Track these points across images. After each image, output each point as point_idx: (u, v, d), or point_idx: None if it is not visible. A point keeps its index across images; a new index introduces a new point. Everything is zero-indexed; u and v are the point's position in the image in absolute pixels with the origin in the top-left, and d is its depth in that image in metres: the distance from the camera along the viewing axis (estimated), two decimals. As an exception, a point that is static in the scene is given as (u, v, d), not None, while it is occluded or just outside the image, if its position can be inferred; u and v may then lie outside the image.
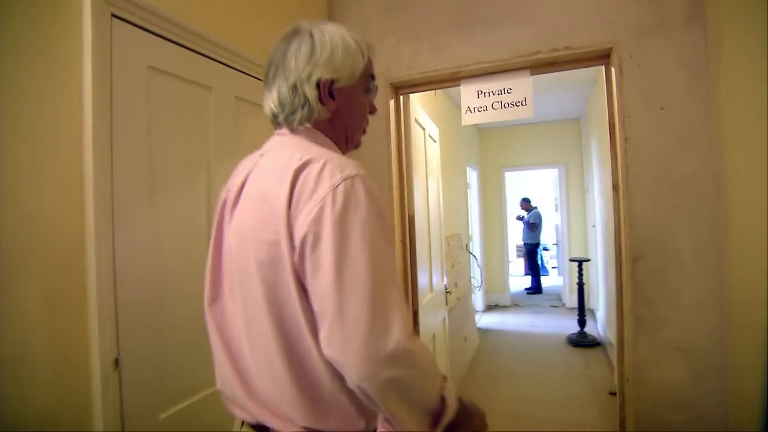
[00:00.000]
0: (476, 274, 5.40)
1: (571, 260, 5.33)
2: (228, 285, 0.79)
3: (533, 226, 7.19)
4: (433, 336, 2.44)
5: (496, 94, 1.89)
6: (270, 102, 0.82)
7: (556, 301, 6.62)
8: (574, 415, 3.01)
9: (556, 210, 6.91)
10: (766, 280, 1.22)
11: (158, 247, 1.17)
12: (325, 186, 0.66)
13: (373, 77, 0.89)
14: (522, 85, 1.86)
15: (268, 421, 0.74)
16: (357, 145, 0.92)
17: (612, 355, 3.70)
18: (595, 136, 4.41)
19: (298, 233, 0.66)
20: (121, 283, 1.04)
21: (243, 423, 0.79)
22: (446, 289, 2.85)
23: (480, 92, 1.91)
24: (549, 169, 6.79)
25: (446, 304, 2.84)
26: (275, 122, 0.84)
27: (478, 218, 6.10)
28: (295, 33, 0.81)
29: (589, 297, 5.54)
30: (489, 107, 1.89)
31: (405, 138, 2.12)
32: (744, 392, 1.40)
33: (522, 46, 1.83)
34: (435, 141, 2.86)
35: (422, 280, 2.27)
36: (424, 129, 2.50)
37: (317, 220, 0.65)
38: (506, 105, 1.87)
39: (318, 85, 0.78)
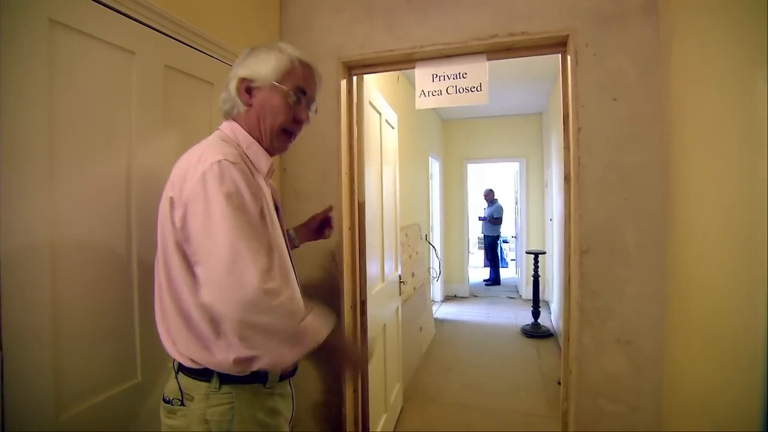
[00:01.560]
0: (435, 264, 5.39)
1: (528, 253, 5.42)
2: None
3: (496, 220, 7.26)
4: (384, 326, 2.38)
5: (451, 78, 1.82)
6: None
7: (513, 293, 6.75)
8: (524, 405, 3.05)
9: (516, 203, 7.01)
10: (711, 273, 1.22)
11: (60, 230, 1.02)
12: (198, 171, 0.87)
13: (304, 92, 1.05)
14: (478, 70, 1.79)
15: (169, 350, 0.97)
16: (281, 150, 1.09)
17: (562, 346, 3.78)
18: (556, 131, 4.46)
19: (180, 207, 0.89)
20: (8, 270, 0.90)
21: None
22: (400, 278, 2.80)
23: (435, 76, 1.84)
24: (510, 162, 6.87)
25: (400, 294, 2.78)
26: None
27: (439, 209, 6.09)
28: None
29: (545, 289, 5.66)
30: (444, 91, 1.82)
31: (357, 121, 2.02)
32: (678, 383, 1.41)
33: (479, 29, 1.76)
34: (393, 127, 2.78)
35: (373, 268, 2.19)
36: (380, 113, 2.41)
37: (190, 196, 0.87)
38: (461, 90, 1.80)
39: (239, 81, 1.02)
